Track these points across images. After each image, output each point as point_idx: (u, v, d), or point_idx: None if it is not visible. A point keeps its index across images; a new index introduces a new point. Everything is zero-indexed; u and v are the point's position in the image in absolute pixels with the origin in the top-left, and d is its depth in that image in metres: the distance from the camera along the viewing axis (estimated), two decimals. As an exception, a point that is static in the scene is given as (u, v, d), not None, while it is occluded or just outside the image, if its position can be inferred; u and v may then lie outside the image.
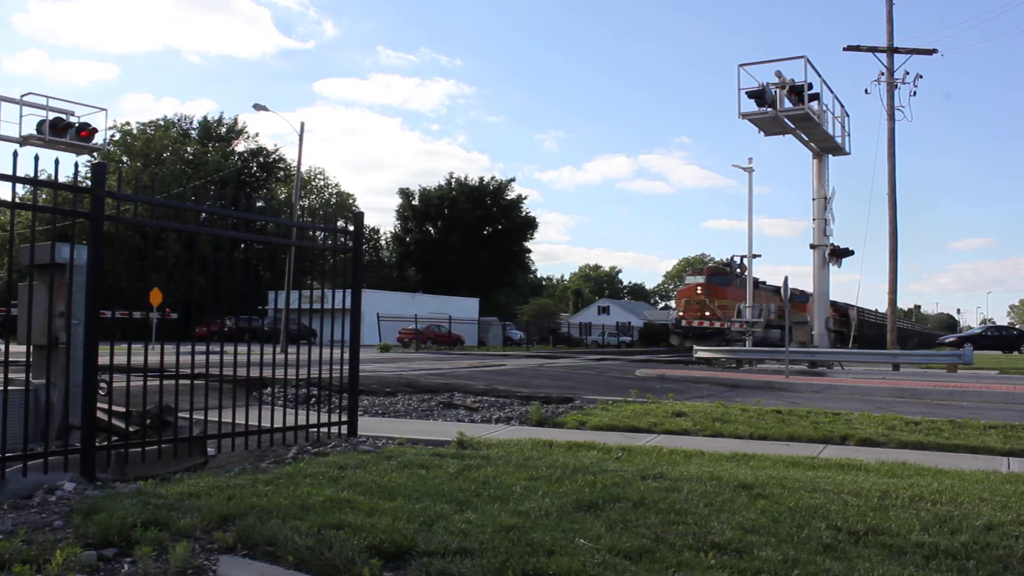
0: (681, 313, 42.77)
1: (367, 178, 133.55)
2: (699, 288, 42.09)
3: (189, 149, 62.85)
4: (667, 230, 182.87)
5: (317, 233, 8.06)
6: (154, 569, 3.35)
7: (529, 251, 76.08)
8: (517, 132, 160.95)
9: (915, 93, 25.64)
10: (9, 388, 4.93)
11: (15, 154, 4.88)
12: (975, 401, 13.09)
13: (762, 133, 21.62)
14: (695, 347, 25.27)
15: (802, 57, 20.49)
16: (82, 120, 20.80)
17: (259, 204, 55.44)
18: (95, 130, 21.02)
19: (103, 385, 5.74)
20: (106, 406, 5.78)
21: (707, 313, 40.33)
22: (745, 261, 28.57)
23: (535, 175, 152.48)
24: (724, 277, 42.83)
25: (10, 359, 5.23)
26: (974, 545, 3.75)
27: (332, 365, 7.29)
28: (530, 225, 73.60)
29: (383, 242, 76.93)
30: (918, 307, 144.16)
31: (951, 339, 50.29)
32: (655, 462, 6.08)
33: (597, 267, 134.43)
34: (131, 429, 5.97)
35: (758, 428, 8.28)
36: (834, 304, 41.88)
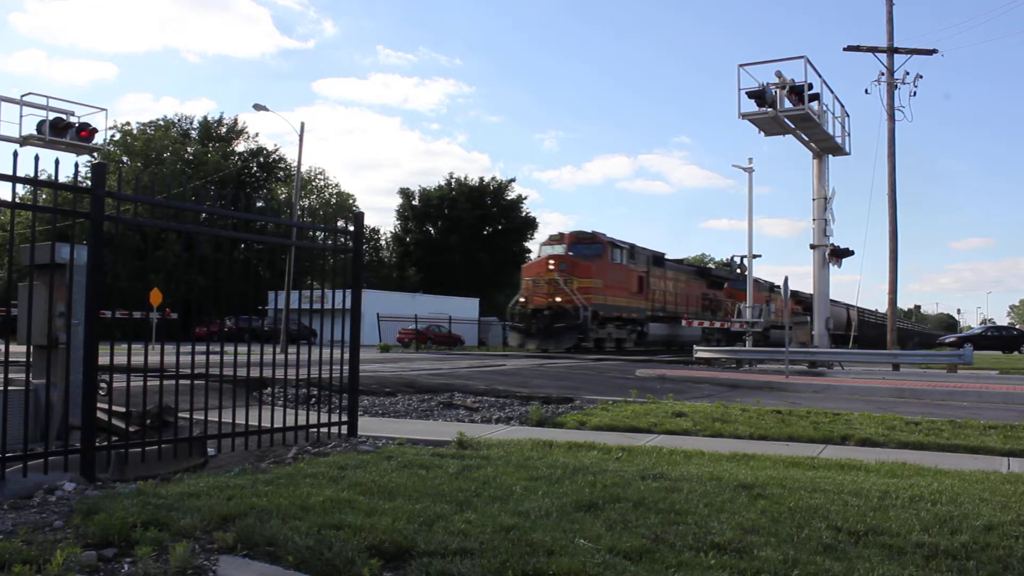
0: (523, 299, 30.31)
1: (366, 178, 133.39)
2: (552, 262, 29.58)
3: (189, 149, 62.90)
4: (667, 230, 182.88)
5: (317, 233, 8.06)
6: (154, 569, 3.35)
7: (529, 251, 75.89)
8: (517, 132, 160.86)
9: (915, 93, 25.67)
10: (9, 388, 4.93)
11: (15, 154, 4.88)
12: (975, 401, 13.09)
13: (762, 133, 21.63)
14: (695, 347, 25.05)
15: (802, 57, 20.51)
16: (82, 120, 20.85)
17: (259, 204, 55.43)
18: (95, 130, 21.06)
19: (103, 385, 5.74)
20: (106, 406, 5.78)
21: (558, 299, 28.58)
22: (745, 261, 28.49)
23: (535, 175, 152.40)
24: (594, 247, 30.57)
25: (10, 359, 5.23)
26: (974, 545, 3.75)
27: (332, 365, 7.29)
28: (530, 225, 73.58)
29: (383, 242, 76.97)
30: (918, 307, 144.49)
31: (951, 339, 50.36)
32: (655, 462, 6.08)
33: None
34: (131, 429, 5.97)
35: (758, 428, 8.28)
36: (796, 296, 35.44)
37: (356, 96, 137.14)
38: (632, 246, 34.09)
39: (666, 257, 38.51)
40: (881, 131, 25.97)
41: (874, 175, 40.92)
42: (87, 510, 4.16)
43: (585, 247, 30.49)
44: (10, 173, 4.85)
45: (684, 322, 33.95)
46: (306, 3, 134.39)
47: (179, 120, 65.70)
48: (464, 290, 63.85)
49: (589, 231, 32.17)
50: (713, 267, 39.57)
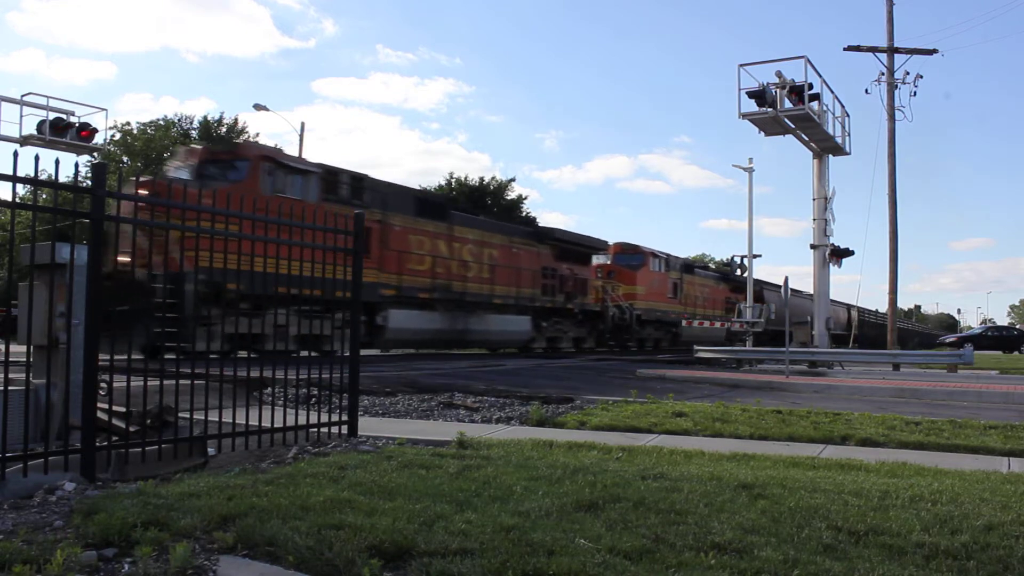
0: (115, 258, 10.15)
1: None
2: (144, 194, 10.29)
3: (189, 149, 62.89)
4: (667, 230, 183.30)
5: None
6: (154, 569, 3.35)
7: (529, 251, 75.85)
8: (517, 132, 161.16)
9: (915, 93, 25.77)
10: (9, 388, 4.93)
11: (15, 154, 4.87)
12: (975, 401, 13.09)
13: (762, 133, 21.62)
14: (695, 347, 24.99)
15: (802, 57, 20.51)
16: (82, 120, 20.89)
17: (259, 204, 55.35)
18: (95, 130, 21.10)
19: (103, 385, 5.73)
20: (106, 406, 5.78)
21: (124, 259, 11.32)
22: (745, 261, 28.47)
23: (535, 175, 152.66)
24: (236, 167, 16.74)
25: (10, 359, 5.23)
26: (974, 545, 3.75)
27: (332, 365, 7.29)
28: (530, 225, 73.49)
29: (383, 242, 76.88)
30: (918, 307, 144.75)
31: (951, 339, 50.48)
32: (655, 462, 6.08)
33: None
34: (131, 429, 5.97)
35: (758, 428, 8.28)
36: (735, 282, 31.70)
37: (356, 96, 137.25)
38: (355, 176, 19.90)
39: (462, 209, 25.17)
40: (881, 131, 26.05)
41: (874, 175, 40.95)
42: (87, 510, 4.16)
43: (221, 167, 16.73)
44: (10, 173, 4.85)
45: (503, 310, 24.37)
46: (306, 3, 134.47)
47: (179, 120, 65.61)
48: (464, 290, 63.65)
49: (233, 143, 16.23)
50: (575, 232, 28.43)
